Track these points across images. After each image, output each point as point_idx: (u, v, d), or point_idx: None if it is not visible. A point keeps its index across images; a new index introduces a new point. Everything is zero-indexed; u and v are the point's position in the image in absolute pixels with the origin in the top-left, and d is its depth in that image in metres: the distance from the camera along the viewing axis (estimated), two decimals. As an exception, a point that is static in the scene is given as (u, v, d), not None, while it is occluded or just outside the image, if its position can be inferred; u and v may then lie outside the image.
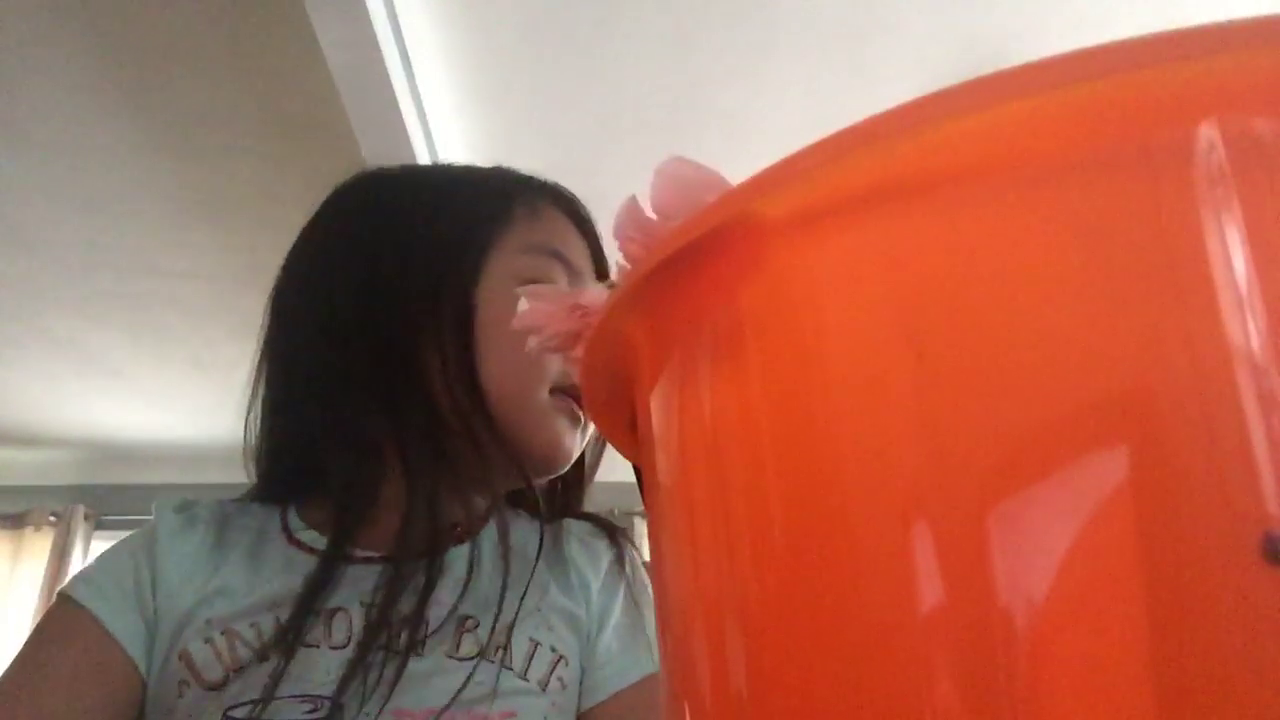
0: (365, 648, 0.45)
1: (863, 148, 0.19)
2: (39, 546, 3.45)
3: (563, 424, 0.52)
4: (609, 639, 0.51)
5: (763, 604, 0.20)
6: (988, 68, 0.17)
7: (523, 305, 0.32)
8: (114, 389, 2.96)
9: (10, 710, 0.44)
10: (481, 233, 0.53)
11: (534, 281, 0.51)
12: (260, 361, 0.56)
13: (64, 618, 0.48)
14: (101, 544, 3.34)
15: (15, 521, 3.47)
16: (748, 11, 1.43)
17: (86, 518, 3.46)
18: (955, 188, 0.18)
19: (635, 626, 0.52)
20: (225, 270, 2.23)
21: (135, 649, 0.47)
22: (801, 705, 0.19)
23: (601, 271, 0.58)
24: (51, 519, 3.47)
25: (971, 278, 0.18)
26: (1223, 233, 0.16)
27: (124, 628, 0.47)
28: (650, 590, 0.54)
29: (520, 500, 0.57)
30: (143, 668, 0.47)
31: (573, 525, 0.57)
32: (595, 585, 0.53)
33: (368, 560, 0.49)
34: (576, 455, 0.54)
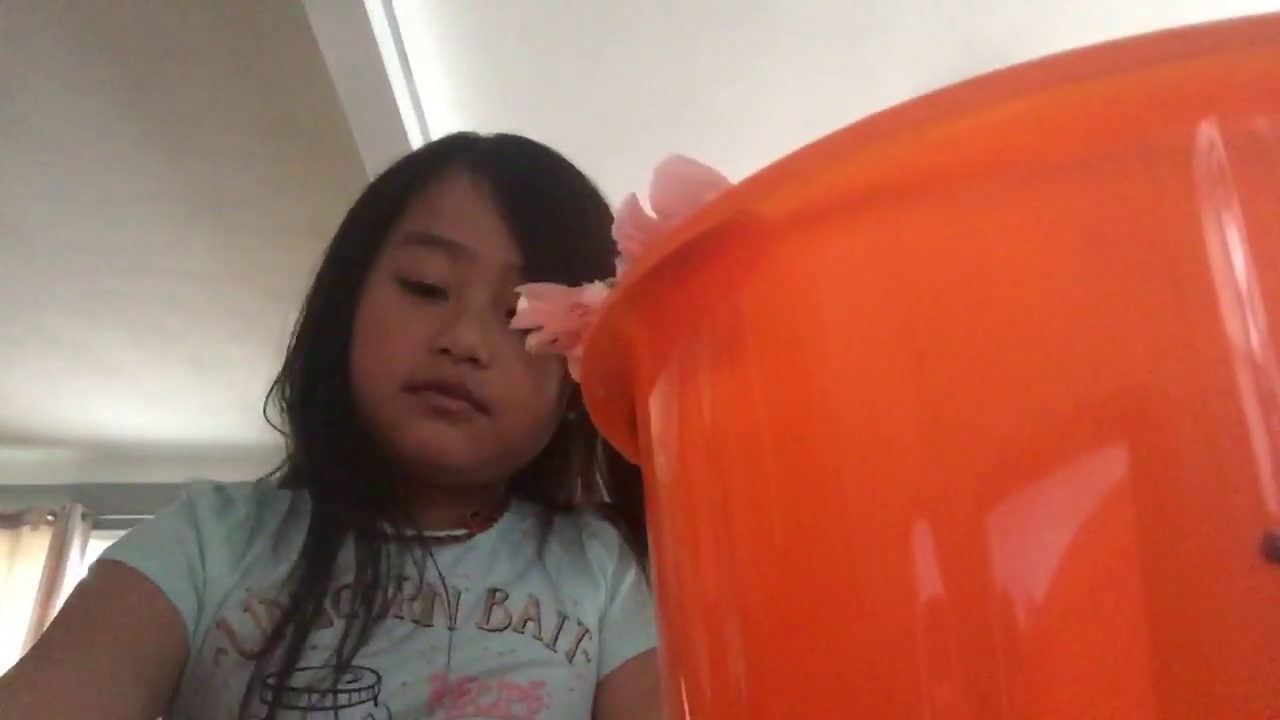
0: (367, 614, 0.47)
1: (863, 147, 0.19)
2: (36, 546, 3.44)
3: (423, 422, 0.49)
4: (619, 611, 0.53)
5: (763, 603, 0.20)
6: (987, 68, 0.17)
7: (522, 304, 0.32)
8: (113, 389, 2.96)
9: (71, 655, 0.43)
10: (370, 236, 0.53)
11: (405, 278, 0.50)
12: None
13: (113, 577, 0.47)
14: (99, 544, 3.34)
15: (13, 521, 3.47)
16: (747, 11, 1.43)
17: (84, 517, 3.46)
18: (955, 187, 0.18)
19: (645, 600, 0.54)
20: (225, 270, 2.23)
21: (188, 613, 0.47)
22: (802, 705, 0.19)
23: (542, 233, 0.51)
24: (49, 518, 3.46)
25: (971, 277, 0.18)
26: (1223, 232, 0.16)
27: (177, 591, 0.47)
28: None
29: (536, 489, 0.59)
30: (191, 633, 0.47)
31: (589, 511, 0.59)
32: (611, 565, 0.55)
33: (405, 538, 0.51)
34: (468, 451, 0.50)
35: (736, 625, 0.21)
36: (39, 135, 1.75)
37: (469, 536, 0.53)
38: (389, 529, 0.51)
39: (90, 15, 1.46)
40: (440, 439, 0.50)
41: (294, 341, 0.56)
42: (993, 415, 0.17)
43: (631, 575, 0.55)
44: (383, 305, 0.51)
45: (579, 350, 0.29)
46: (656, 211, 0.26)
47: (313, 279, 0.57)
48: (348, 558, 0.49)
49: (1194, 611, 0.15)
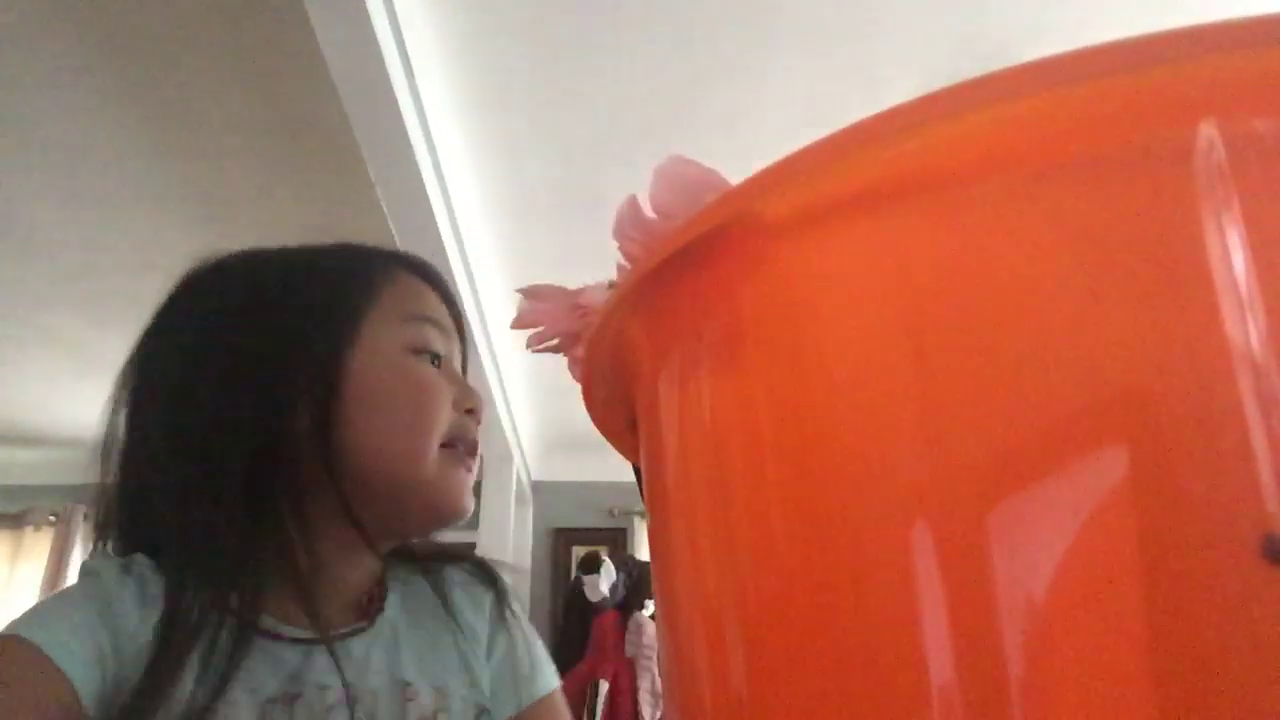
0: None
1: (862, 147, 0.19)
2: (39, 547, 3.45)
3: (459, 474, 0.54)
4: (496, 672, 0.55)
5: (763, 604, 0.20)
6: (987, 68, 0.17)
7: (523, 304, 0.32)
8: (114, 389, 2.95)
9: None
10: (349, 302, 0.54)
11: (419, 349, 0.55)
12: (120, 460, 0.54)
13: (20, 662, 0.44)
14: (101, 544, 3.33)
15: (15, 521, 3.48)
16: (748, 11, 1.43)
17: (87, 518, 3.46)
18: (955, 187, 0.18)
19: (512, 661, 0.55)
20: (225, 270, 2.23)
21: (94, 704, 0.43)
22: (801, 704, 0.19)
23: (463, 331, 0.61)
24: (51, 519, 3.47)
25: (971, 277, 0.18)
26: (1223, 233, 0.16)
27: (91, 696, 0.44)
28: (525, 626, 0.58)
29: (402, 556, 0.57)
30: None
31: (452, 573, 0.58)
32: (484, 631, 0.56)
33: (295, 640, 0.48)
34: (471, 505, 0.56)
35: (736, 625, 0.21)
36: (40, 136, 1.75)
37: (370, 625, 0.51)
38: (289, 632, 0.48)
39: (91, 15, 1.46)
40: (466, 490, 0.55)
41: (209, 411, 0.50)
42: (993, 415, 0.17)
43: (502, 635, 0.56)
44: (416, 372, 0.54)
45: (579, 350, 0.29)
46: (656, 212, 0.26)
47: (243, 356, 0.52)
48: (249, 667, 0.45)
49: (1194, 611, 0.15)
